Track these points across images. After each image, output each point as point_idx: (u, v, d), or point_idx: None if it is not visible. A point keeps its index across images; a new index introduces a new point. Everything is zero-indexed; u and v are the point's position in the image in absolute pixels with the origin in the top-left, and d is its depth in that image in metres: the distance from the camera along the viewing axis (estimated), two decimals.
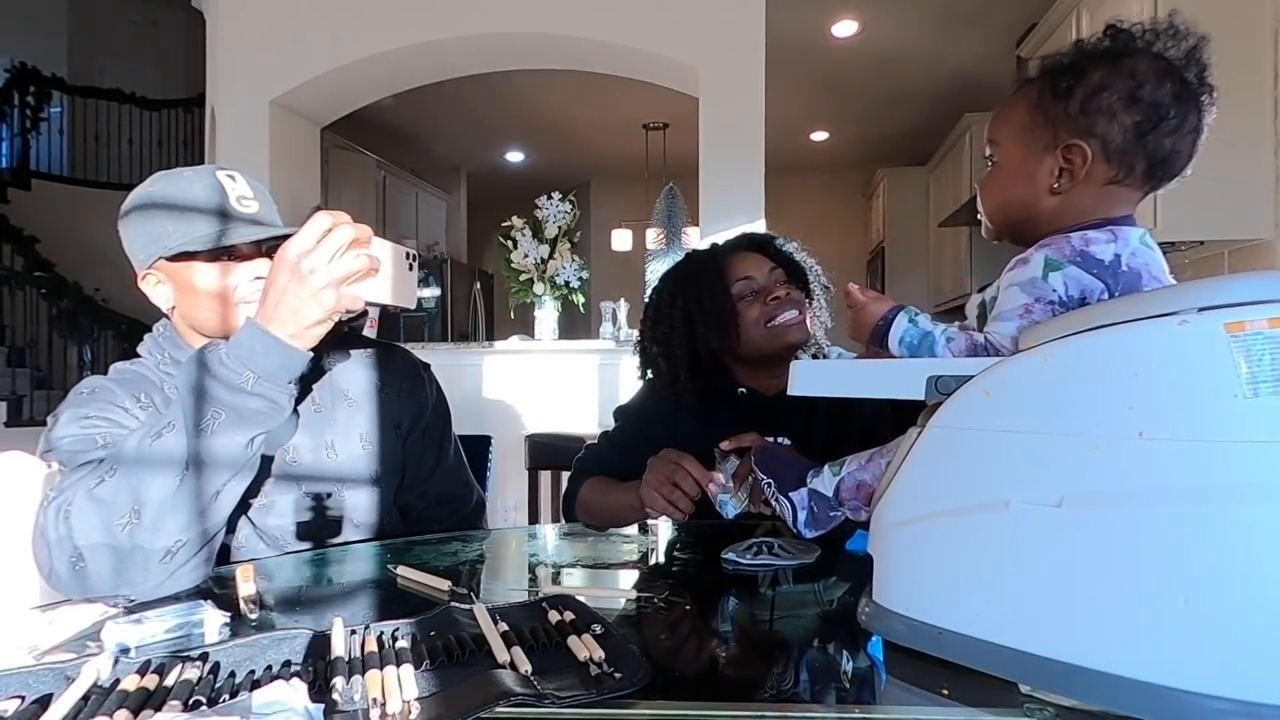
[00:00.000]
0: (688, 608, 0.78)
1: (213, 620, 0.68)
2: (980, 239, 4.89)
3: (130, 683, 0.55)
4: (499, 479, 1.67)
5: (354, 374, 1.11)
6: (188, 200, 0.94)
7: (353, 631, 0.64)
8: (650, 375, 1.31)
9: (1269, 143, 2.27)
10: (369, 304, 0.85)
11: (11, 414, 5.46)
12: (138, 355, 1.03)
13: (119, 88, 7.05)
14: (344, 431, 1.06)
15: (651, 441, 1.15)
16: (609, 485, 1.21)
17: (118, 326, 6.06)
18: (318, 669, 0.58)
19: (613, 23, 3.34)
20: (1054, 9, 2.96)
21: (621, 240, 6.62)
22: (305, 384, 1.03)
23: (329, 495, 1.04)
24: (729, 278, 1.23)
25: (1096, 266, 0.65)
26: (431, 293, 5.71)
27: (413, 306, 0.89)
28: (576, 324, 4.50)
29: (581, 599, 0.73)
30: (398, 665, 0.57)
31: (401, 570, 0.88)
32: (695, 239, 4.10)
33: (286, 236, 0.81)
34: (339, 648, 0.60)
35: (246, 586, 0.74)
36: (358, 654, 0.60)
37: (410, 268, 0.87)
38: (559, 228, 3.45)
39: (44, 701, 0.54)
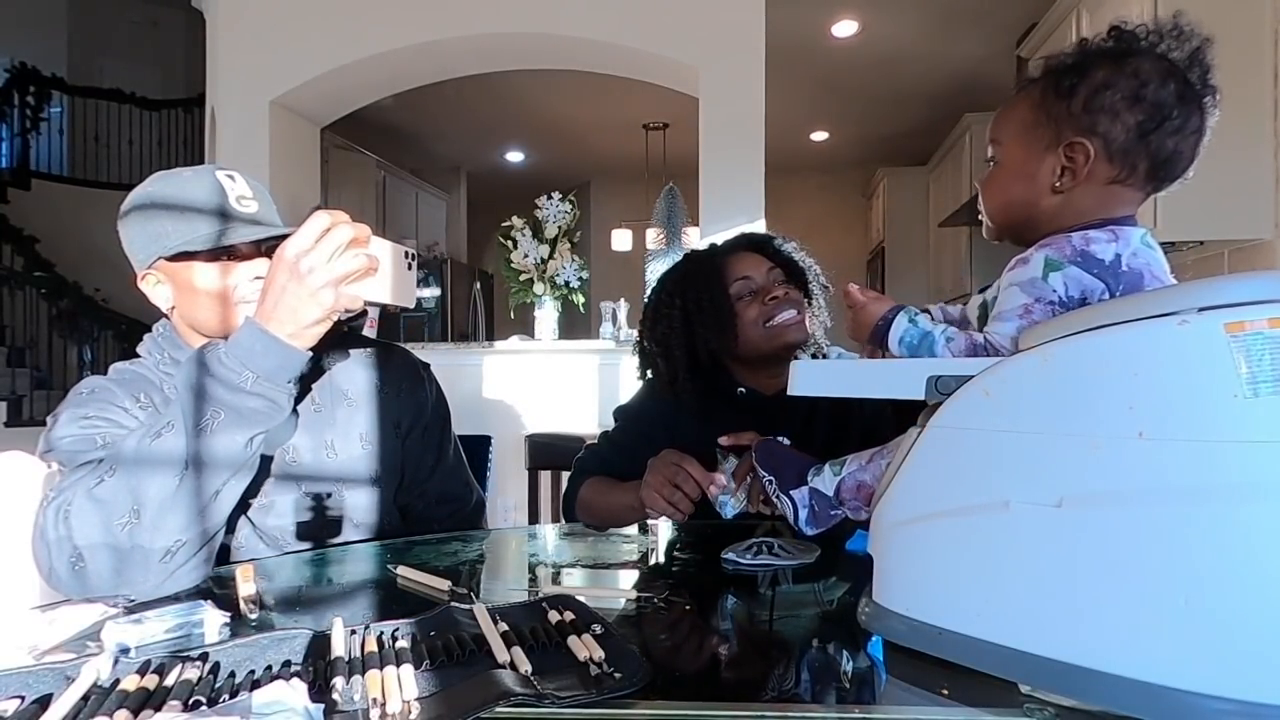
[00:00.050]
0: (688, 608, 0.78)
1: (213, 620, 0.68)
2: (980, 239, 4.89)
3: (130, 683, 0.55)
4: (499, 479, 1.67)
5: (354, 374, 1.11)
6: (187, 200, 0.94)
7: (353, 631, 0.64)
8: (650, 375, 1.31)
9: (1269, 143, 2.27)
10: (368, 303, 0.85)
11: (11, 414, 5.46)
12: (137, 355, 1.03)
13: (119, 88, 7.05)
14: (344, 431, 1.06)
15: (651, 441, 1.15)
16: (609, 485, 1.21)
17: (118, 326, 6.06)
18: (318, 669, 0.58)
19: (613, 23, 3.34)
20: (1054, 9, 2.96)
21: (621, 240, 6.63)
22: (305, 384, 1.03)
23: (329, 495, 1.04)
24: (727, 278, 1.23)
25: (1097, 266, 0.65)
26: (431, 293, 5.71)
27: (412, 306, 0.89)
28: (576, 324, 4.50)
29: (581, 599, 0.73)
30: (398, 665, 0.57)
31: (401, 570, 0.88)
32: (695, 239, 4.10)
33: (286, 236, 0.81)
34: (339, 648, 0.60)
35: (246, 586, 0.74)
36: (358, 654, 0.60)
37: (409, 267, 0.87)
38: (559, 228, 3.45)
39: (44, 701, 0.54)
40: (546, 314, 3.47)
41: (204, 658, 0.60)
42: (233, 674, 0.59)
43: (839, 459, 0.85)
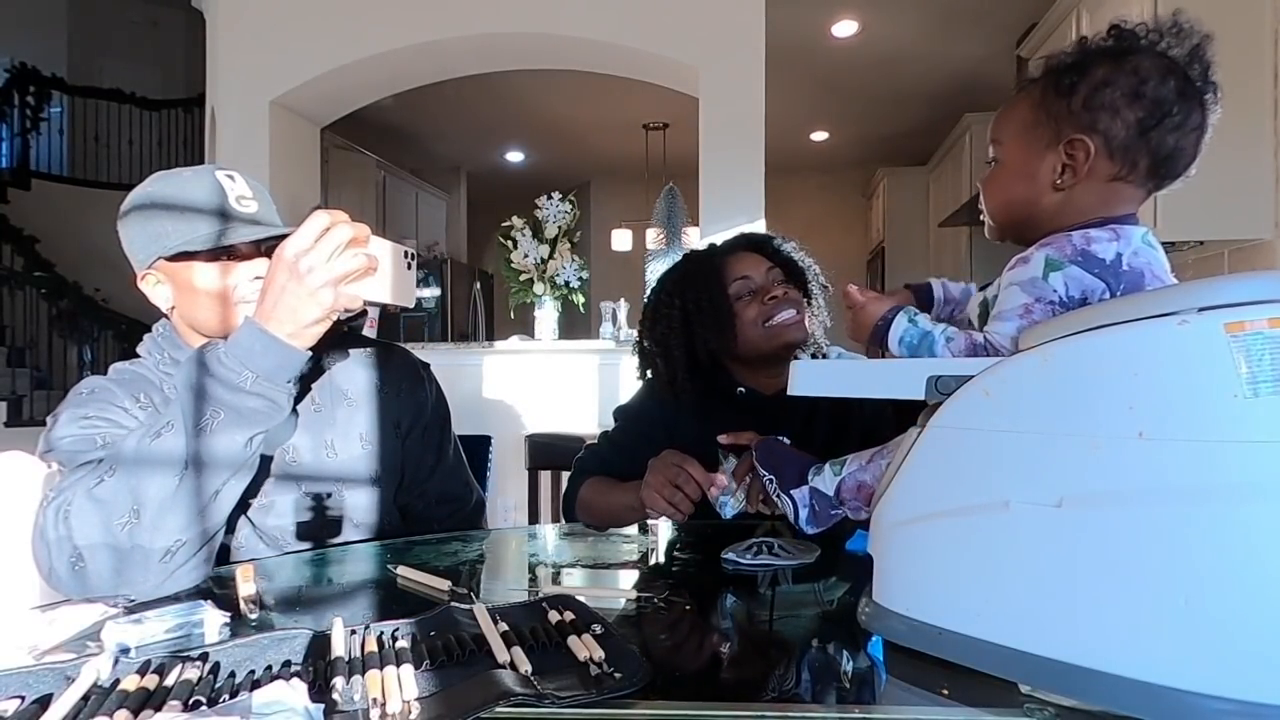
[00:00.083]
0: (688, 608, 0.78)
1: (213, 620, 0.68)
2: (980, 239, 4.90)
3: (130, 683, 0.55)
4: (499, 479, 1.67)
5: (353, 374, 1.11)
6: (187, 200, 0.94)
7: (353, 631, 0.64)
8: (649, 375, 1.31)
9: (1269, 143, 2.27)
10: (368, 303, 0.85)
11: (11, 414, 5.46)
12: (137, 355, 1.03)
13: (119, 88, 7.05)
14: (344, 431, 1.06)
15: (651, 441, 1.15)
16: (609, 485, 1.21)
17: (118, 326, 6.06)
18: (318, 669, 0.58)
19: (613, 23, 3.34)
20: (1054, 9, 2.96)
21: (621, 240, 6.62)
22: (305, 384, 1.03)
23: (329, 495, 1.04)
24: (726, 277, 1.23)
25: (1098, 266, 0.65)
26: (431, 293, 5.71)
27: (412, 305, 0.89)
28: (576, 324, 4.50)
29: (581, 599, 0.73)
30: (398, 665, 0.57)
31: (401, 570, 0.88)
32: (695, 239, 4.10)
33: (286, 236, 0.81)
34: (339, 648, 0.60)
35: (246, 586, 0.74)
36: (358, 654, 0.60)
37: (409, 266, 0.87)
38: (559, 228, 3.45)
39: (44, 701, 0.54)
40: (546, 314, 3.47)
41: (204, 658, 0.60)
42: (233, 674, 0.59)
43: (839, 459, 0.85)
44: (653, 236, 4.65)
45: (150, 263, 0.95)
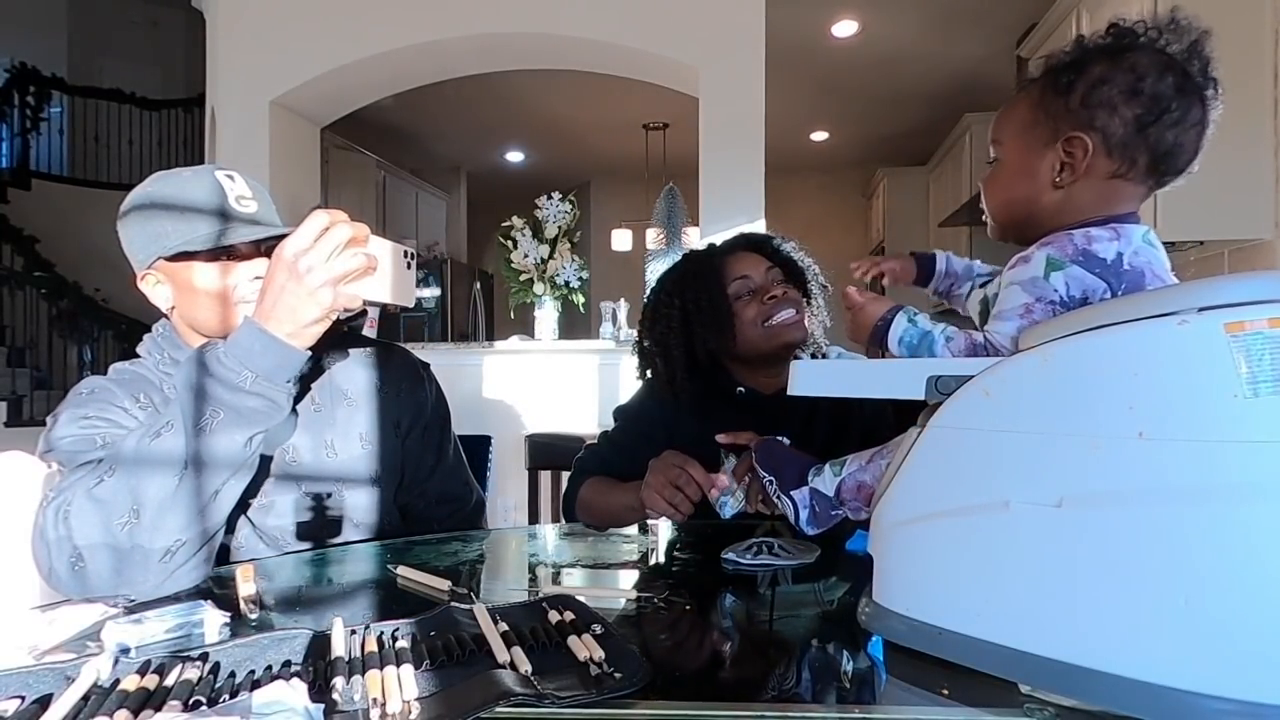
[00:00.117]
0: (688, 608, 0.78)
1: (213, 620, 0.68)
2: (980, 239, 4.89)
3: (130, 683, 0.55)
4: (499, 479, 1.67)
5: (353, 373, 1.11)
6: (187, 200, 0.94)
7: (353, 631, 0.64)
8: (649, 375, 1.31)
9: (1269, 143, 2.27)
10: (367, 303, 0.85)
11: (11, 414, 5.46)
12: (137, 355, 1.03)
13: (119, 88, 7.05)
14: (343, 431, 1.06)
15: (651, 441, 1.15)
16: (609, 485, 1.21)
17: (118, 326, 6.06)
18: (318, 669, 0.58)
19: (613, 23, 3.34)
20: (1054, 9, 2.96)
21: (621, 240, 6.62)
22: (304, 383, 1.03)
23: (329, 495, 1.04)
24: (726, 277, 1.23)
25: (1099, 266, 0.65)
26: (431, 293, 5.71)
27: (411, 305, 0.89)
28: (576, 324, 4.50)
29: (581, 599, 0.73)
30: (398, 665, 0.57)
31: (401, 570, 0.88)
32: (695, 239, 4.09)
33: (285, 236, 0.81)
34: (339, 648, 0.60)
35: (246, 586, 0.74)
36: (358, 654, 0.60)
37: (408, 266, 0.87)
38: (559, 228, 3.45)
39: (44, 701, 0.54)
40: (546, 314, 3.47)
41: (204, 658, 0.60)
42: (233, 674, 0.59)
43: (839, 459, 0.85)
44: (653, 236, 4.65)
45: (150, 263, 0.95)
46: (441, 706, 0.52)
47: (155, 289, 0.98)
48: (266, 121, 3.58)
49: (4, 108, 6.70)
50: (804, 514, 0.85)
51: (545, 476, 1.78)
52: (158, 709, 0.51)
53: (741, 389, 1.27)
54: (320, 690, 0.54)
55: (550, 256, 3.43)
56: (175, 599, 0.79)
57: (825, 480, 0.84)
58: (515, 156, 6.96)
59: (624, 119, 5.81)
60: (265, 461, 0.96)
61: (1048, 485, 0.53)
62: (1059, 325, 0.57)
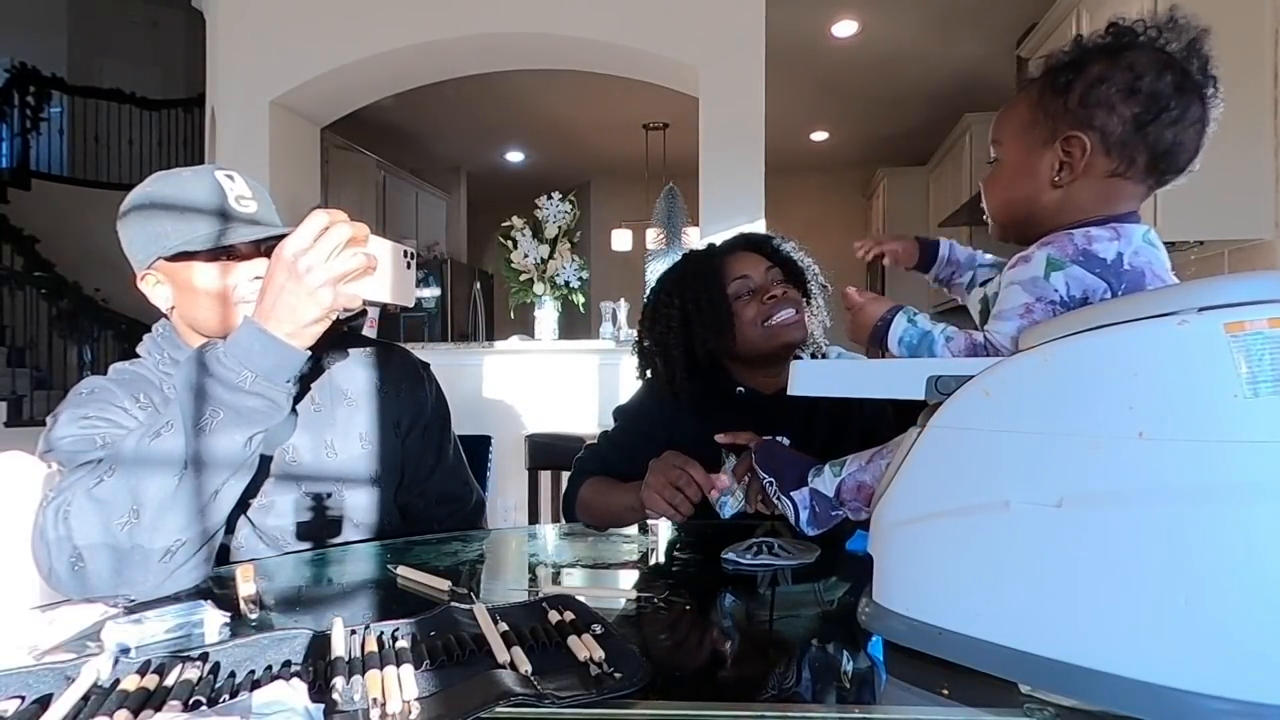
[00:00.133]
0: (688, 608, 0.78)
1: (213, 620, 0.68)
2: (981, 239, 4.89)
3: (130, 683, 0.55)
4: (499, 479, 1.67)
5: (353, 373, 1.11)
6: (186, 200, 0.94)
7: (353, 631, 0.64)
8: (649, 375, 1.31)
9: (1269, 143, 2.27)
10: (367, 302, 0.85)
11: (11, 414, 5.46)
12: (137, 355, 1.03)
13: (119, 88, 7.05)
14: (343, 431, 1.06)
15: (651, 441, 1.15)
16: (609, 485, 1.21)
17: (118, 326, 6.06)
18: (318, 669, 0.58)
19: (613, 23, 3.34)
20: (1054, 9, 2.96)
21: (621, 240, 6.62)
22: (304, 383, 1.03)
23: (329, 495, 1.04)
24: (725, 277, 1.23)
25: (1099, 265, 0.65)
26: (431, 293, 5.71)
27: (411, 305, 0.89)
28: (576, 324, 4.50)
29: (581, 599, 0.73)
30: (398, 665, 0.57)
31: (401, 570, 0.88)
32: (695, 239, 4.09)
33: (285, 236, 0.81)
34: (339, 648, 0.60)
35: (246, 586, 0.74)
36: (358, 654, 0.60)
37: (408, 266, 0.87)
38: (559, 228, 3.45)
39: (44, 701, 0.54)
40: (546, 314, 3.47)
41: (204, 658, 0.60)
42: (233, 674, 0.59)
43: (839, 459, 0.85)
44: (653, 236, 4.64)
45: (150, 263, 0.95)
46: (441, 706, 0.52)
47: (155, 289, 0.98)
48: (266, 121, 3.58)
49: (4, 108, 6.70)
50: (804, 515, 0.85)
51: (545, 476, 1.78)
52: (158, 709, 0.51)
53: (741, 389, 1.27)
54: (320, 690, 0.54)
55: (550, 256, 3.43)
56: (175, 599, 0.79)
57: (825, 481, 0.84)
58: (515, 156, 6.96)
59: (624, 119, 5.81)
60: (265, 461, 0.96)
61: (1048, 485, 0.53)
62: (1059, 325, 0.57)
